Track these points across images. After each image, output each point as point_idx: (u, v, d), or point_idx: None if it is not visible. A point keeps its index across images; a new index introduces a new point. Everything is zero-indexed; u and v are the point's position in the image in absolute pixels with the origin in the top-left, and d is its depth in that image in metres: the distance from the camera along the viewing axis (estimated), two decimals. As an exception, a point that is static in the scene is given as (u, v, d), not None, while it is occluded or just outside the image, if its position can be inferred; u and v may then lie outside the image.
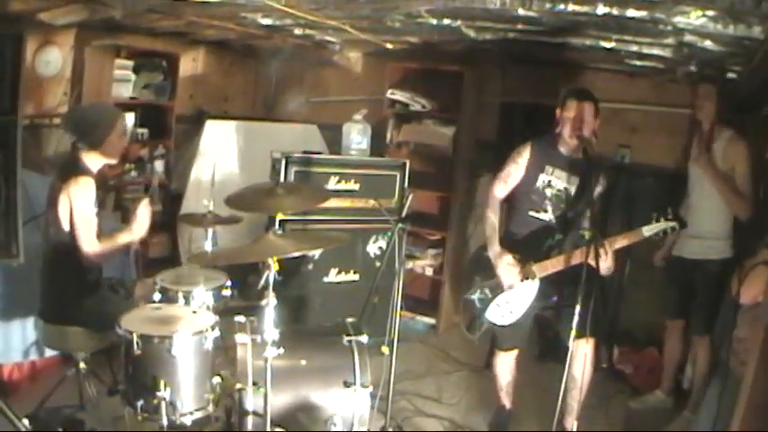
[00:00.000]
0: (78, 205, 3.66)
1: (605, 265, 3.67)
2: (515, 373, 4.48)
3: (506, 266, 4.02)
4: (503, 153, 4.41)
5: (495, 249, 4.09)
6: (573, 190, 4.11)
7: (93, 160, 3.85)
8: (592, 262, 3.49)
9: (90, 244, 3.71)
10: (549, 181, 4.12)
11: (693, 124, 4.77)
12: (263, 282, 3.13)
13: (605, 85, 5.90)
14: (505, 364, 4.45)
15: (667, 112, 5.80)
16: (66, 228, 3.70)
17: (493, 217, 4.17)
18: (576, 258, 3.83)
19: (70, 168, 3.77)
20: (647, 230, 3.76)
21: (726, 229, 4.52)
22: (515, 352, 4.40)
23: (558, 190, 4.12)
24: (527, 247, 4.09)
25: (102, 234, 3.83)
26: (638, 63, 5.13)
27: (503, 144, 4.57)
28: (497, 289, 4.10)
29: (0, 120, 3.29)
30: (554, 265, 3.96)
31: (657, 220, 3.75)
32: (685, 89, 5.41)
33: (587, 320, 3.44)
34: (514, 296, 4.07)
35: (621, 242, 3.80)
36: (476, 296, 4.21)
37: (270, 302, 3.11)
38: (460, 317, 4.47)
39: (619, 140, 5.95)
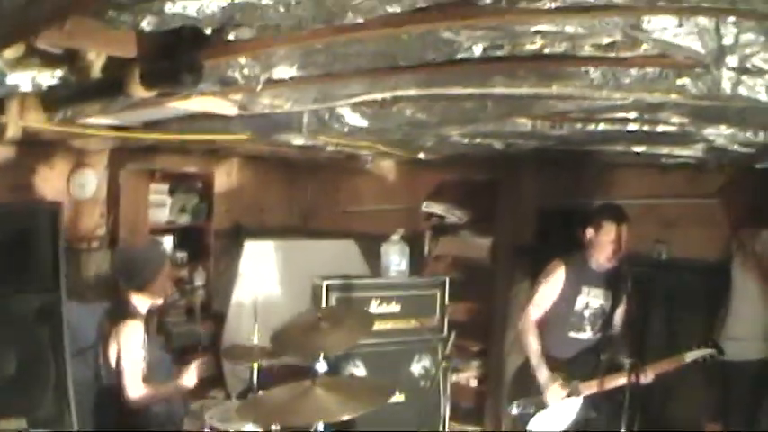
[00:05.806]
0: (126, 351, 3.70)
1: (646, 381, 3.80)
2: None
3: (555, 391, 4.01)
4: (542, 257, 4.49)
5: (544, 374, 4.07)
6: (609, 305, 4.18)
7: (142, 301, 3.91)
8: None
9: (136, 390, 3.72)
10: (588, 302, 4.16)
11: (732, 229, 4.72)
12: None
13: (638, 182, 5.87)
14: None
15: (702, 204, 5.69)
16: (115, 370, 3.72)
17: (535, 343, 4.16)
18: (618, 382, 3.86)
19: (119, 311, 3.83)
20: (690, 356, 3.87)
21: (765, 330, 4.50)
22: None
23: (596, 308, 4.17)
24: (572, 368, 4.12)
25: (151, 371, 3.85)
26: (668, 161, 5.13)
27: (541, 248, 4.61)
28: (542, 405, 4.10)
29: (44, 297, 3.36)
30: (598, 386, 3.99)
31: (698, 347, 3.86)
32: (718, 178, 5.37)
33: None
34: (559, 410, 4.08)
35: (664, 367, 3.89)
36: (518, 410, 4.19)
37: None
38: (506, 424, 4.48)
39: (655, 236, 5.85)
